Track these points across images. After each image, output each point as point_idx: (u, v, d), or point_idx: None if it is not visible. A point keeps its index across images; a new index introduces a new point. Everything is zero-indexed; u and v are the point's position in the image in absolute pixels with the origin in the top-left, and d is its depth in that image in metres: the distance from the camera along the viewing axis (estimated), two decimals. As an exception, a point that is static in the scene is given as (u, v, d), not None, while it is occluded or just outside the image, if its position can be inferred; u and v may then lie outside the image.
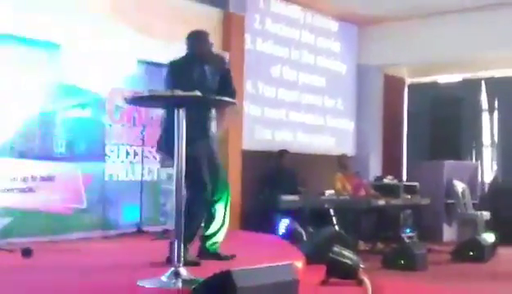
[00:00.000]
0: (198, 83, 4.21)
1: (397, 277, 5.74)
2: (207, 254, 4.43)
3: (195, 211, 4.22)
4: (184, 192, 3.66)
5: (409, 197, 8.63)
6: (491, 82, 10.09)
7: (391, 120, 10.29)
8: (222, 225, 4.49)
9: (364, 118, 9.89)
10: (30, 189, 5.63)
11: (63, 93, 5.95)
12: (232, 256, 4.44)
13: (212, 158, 4.41)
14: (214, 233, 4.48)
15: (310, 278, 4.52)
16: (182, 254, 3.78)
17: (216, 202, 4.47)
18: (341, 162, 8.53)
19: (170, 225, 5.19)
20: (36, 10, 5.58)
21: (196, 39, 4.46)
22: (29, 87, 5.65)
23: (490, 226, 8.44)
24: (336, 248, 4.93)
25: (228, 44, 7.59)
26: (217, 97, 3.97)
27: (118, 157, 6.49)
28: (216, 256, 4.43)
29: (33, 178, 5.67)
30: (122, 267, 4.16)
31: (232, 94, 4.36)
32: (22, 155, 5.61)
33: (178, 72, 4.30)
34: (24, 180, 5.61)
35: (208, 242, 4.47)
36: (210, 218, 4.46)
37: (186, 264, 3.69)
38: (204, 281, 3.13)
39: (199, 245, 4.48)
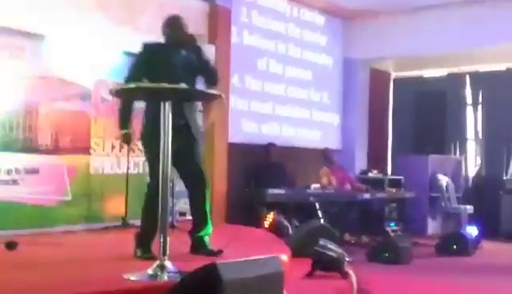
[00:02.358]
0: (174, 70, 4.16)
1: (382, 270, 5.79)
2: (198, 248, 4.36)
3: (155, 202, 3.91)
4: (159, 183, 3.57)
5: (394, 190, 8.71)
6: (476, 77, 10.18)
7: (376, 114, 10.34)
8: (207, 216, 4.41)
9: (350, 111, 9.91)
10: (14, 182, 5.58)
11: (47, 85, 5.90)
12: (220, 251, 4.33)
13: (184, 149, 4.21)
14: (201, 226, 4.39)
15: (296, 271, 4.54)
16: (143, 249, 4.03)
17: (193, 194, 4.38)
18: (326, 155, 8.56)
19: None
20: (20, 0, 5.52)
21: (171, 26, 4.38)
22: (13, 79, 5.60)
23: (473, 220, 8.53)
24: (322, 241, 4.96)
25: (214, 37, 7.57)
26: (204, 90, 3.95)
27: (103, 150, 6.46)
28: (206, 250, 4.33)
29: (18, 170, 5.62)
30: (107, 260, 4.15)
31: (215, 74, 4.33)
32: (6, 147, 5.56)
33: (151, 57, 4.24)
34: (8, 172, 5.55)
35: (199, 234, 4.38)
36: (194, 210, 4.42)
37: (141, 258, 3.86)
38: (190, 274, 3.12)
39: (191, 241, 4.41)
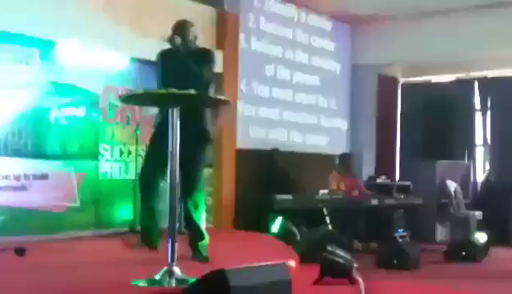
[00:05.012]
0: (181, 74, 4.17)
1: (391, 276, 5.77)
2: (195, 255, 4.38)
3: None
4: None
5: (402, 196, 8.67)
6: (484, 83, 10.13)
7: (384, 120, 10.31)
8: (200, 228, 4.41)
9: (357, 117, 9.90)
10: (23, 188, 5.61)
11: (56, 91, 5.93)
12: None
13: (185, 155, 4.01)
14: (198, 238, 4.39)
15: (303, 278, 4.52)
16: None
17: (189, 205, 4.38)
18: (345, 161, 8.50)
19: (163, 224, 5.17)
20: (29, 7, 5.55)
21: (177, 30, 4.42)
22: (23, 85, 5.63)
23: (482, 226, 8.48)
24: (330, 248, 4.94)
25: (222, 43, 7.59)
26: (212, 96, 3.96)
27: (111, 155, 6.48)
28: (202, 258, 4.34)
29: (27, 176, 5.64)
30: (115, 266, 4.15)
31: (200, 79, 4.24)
32: (15, 153, 5.59)
33: (163, 62, 4.34)
34: (18, 178, 5.58)
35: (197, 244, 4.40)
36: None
37: None
38: (198, 280, 3.13)
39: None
